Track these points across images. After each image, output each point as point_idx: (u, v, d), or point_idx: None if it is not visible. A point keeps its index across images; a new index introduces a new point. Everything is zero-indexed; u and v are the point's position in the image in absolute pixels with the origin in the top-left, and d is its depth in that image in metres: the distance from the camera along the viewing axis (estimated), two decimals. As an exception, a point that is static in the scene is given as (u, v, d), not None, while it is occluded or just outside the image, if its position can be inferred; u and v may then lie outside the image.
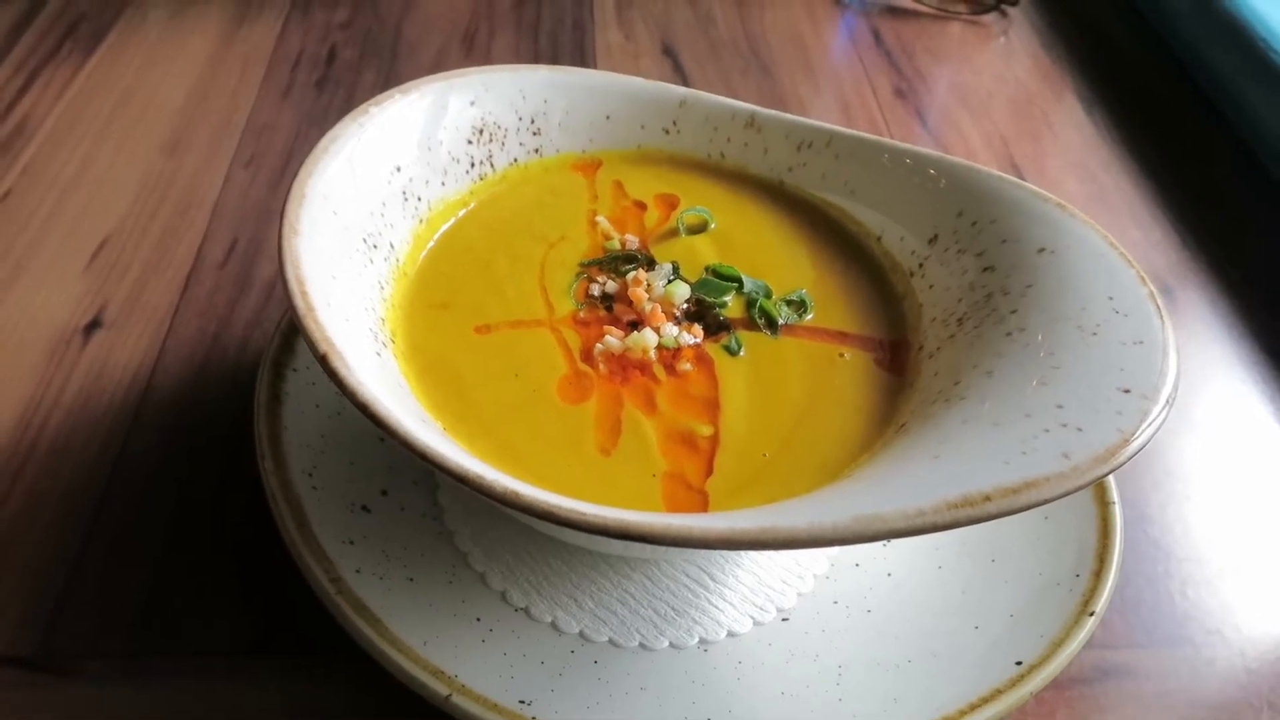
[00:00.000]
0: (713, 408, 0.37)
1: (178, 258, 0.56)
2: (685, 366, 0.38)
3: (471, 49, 0.75)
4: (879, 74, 0.74)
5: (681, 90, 0.46)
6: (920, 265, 0.41)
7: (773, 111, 0.45)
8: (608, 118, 0.46)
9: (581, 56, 0.74)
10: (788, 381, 0.38)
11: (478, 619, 0.37)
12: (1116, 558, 0.38)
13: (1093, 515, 0.39)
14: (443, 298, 0.40)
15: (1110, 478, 0.40)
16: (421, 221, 0.42)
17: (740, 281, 0.41)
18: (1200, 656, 0.40)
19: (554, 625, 0.38)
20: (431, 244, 0.42)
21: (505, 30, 0.77)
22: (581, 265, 0.42)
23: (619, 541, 0.29)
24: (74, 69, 0.70)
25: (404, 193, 0.41)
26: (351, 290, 0.36)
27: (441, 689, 0.34)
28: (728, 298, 0.41)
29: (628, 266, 0.42)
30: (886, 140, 0.43)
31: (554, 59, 0.74)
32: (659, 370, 0.38)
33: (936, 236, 0.41)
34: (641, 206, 0.45)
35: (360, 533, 0.39)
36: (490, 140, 0.44)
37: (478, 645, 0.36)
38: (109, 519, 0.43)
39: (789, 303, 0.41)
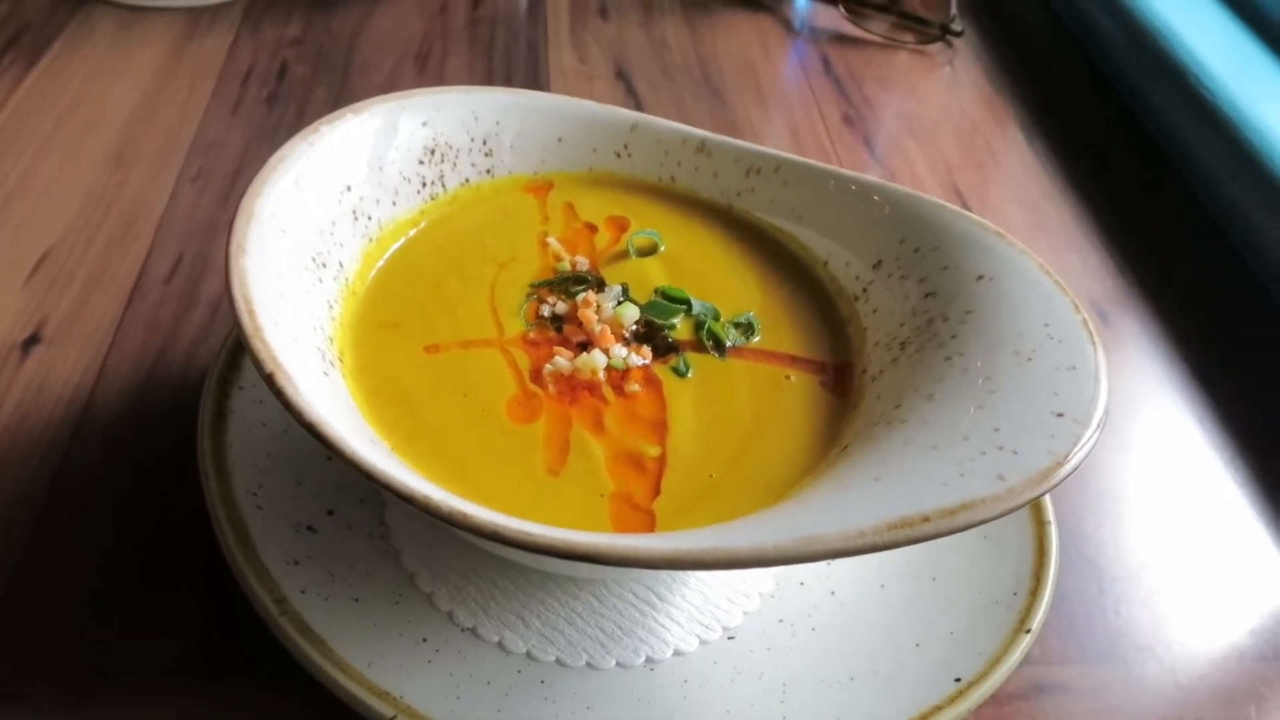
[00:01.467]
0: (660, 429, 0.38)
1: (121, 272, 0.55)
2: (634, 387, 0.39)
3: (425, 68, 0.75)
4: (828, 101, 0.75)
5: (633, 115, 0.46)
6: (864, 290, 0.42)
7: (723, 137, 0.46)
8: (560, 140, 0.46)
9: (535, 78, 0.75)
10: (734, 403, 0.39)
11: (424, 639, 0.37)
12: (1052, 577, 0.39)
13: (1030, 535, 0.40)
14: (392, 317, 0.40)
15: (1047, 498, 0.41)
16: (371, 241, 0.42)
17: (689, 304, 0.42)
18: (1132, 673, 0.41)
19: (501, 645, 0.38)
20: (381, 263, 0.42)
21: (459, 50, 0.77)
22: (532, 286, 0.42)
23: (565, 561, 0.29)
24: (16, 80, 0.69)
25: (354, 212, 0.41)
26: (300, 309, 0.36)
27: (386, 710, 0.34)
28: (676, 320, 0.41)
29: (578, 288, 0.42)
30: (833, 168, 0.44)
31: (508, 80, 0.74)
32: (607, 391, 0.39)
33: (880, 262, 0.42)
34: (592, 229, 0.46)
35: (306, 553, 0.38)
36: (442, 160, 0.44)
37: (423, 665, 0.36)
38: (48, 536, 0.42)
39: (737, 325, 0.41)
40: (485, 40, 0.78)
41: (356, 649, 0.36)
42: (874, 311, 0.41)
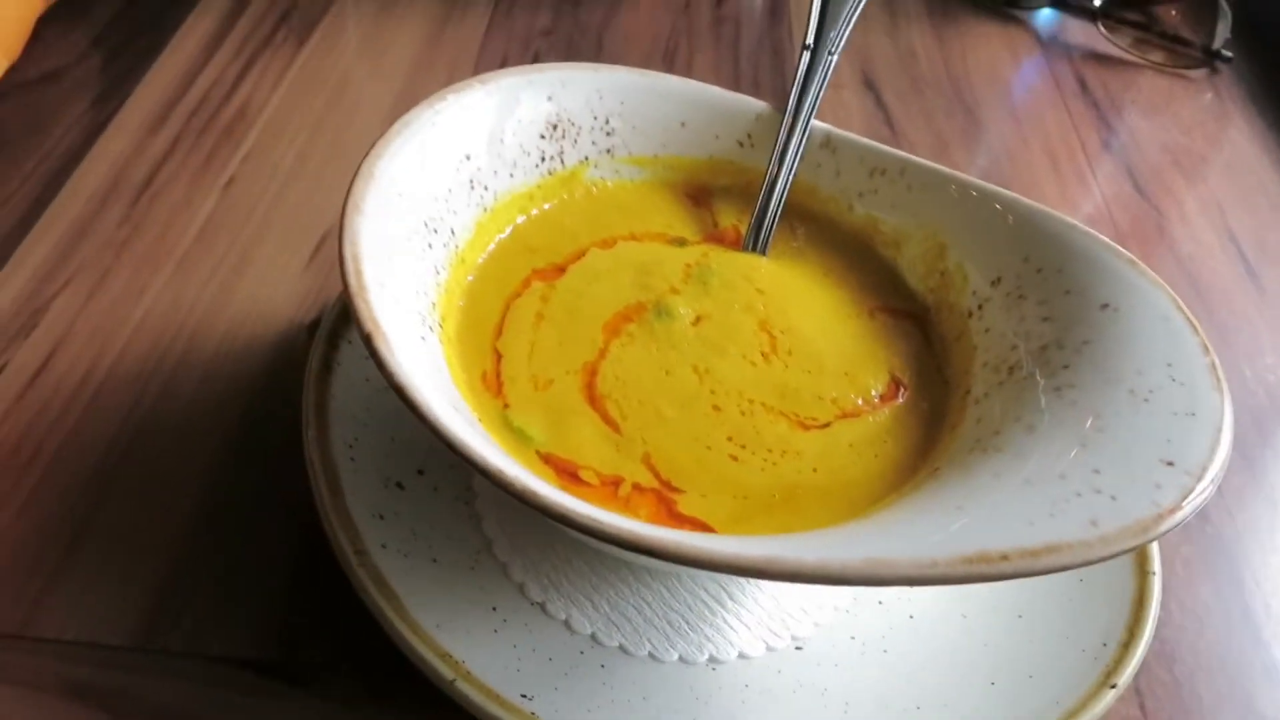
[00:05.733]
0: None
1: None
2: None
3: (672, 66, 0.72)
4: (1086, 126, 0.70)
5: (759, 104, 0.45)
6: (980, 306, 0.40)
7: (849, 134, 0.44)
8: (683, 124, 0.46)
9: (783, 81, 0.71)
10: (828, 410, 0.38)
11: (493, 608, 0.38)
12: (1148, 633, 0.36)
13: (1130, 584, 0.38)
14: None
15: (1154, 548, 0.38)
16: (486, 210, 0.42)
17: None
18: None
19: (567, 624, 0.38)
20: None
21: (705, 48, 0.74)
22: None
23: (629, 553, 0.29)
24: (289, 58, 0.69)
25: (471, 181, 0.41)
26: (408, 272, 0.37)
27: (447, 673, 0.35)
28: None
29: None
30: (960, 174, 0.42)
31: (755, 82, 0.71)
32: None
33: (1000, 279, 0.39)
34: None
35: (393, 508, 0.39)
36: (563, 136, 0.44)
37: (489, 634, 0.37)
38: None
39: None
40: (730, 39, 0.75)
41: (428, 609, 0.36)
42: (986, 330, 0.39)
